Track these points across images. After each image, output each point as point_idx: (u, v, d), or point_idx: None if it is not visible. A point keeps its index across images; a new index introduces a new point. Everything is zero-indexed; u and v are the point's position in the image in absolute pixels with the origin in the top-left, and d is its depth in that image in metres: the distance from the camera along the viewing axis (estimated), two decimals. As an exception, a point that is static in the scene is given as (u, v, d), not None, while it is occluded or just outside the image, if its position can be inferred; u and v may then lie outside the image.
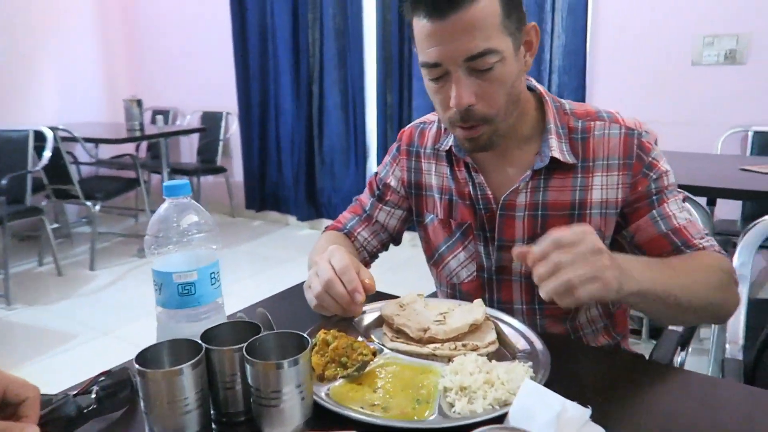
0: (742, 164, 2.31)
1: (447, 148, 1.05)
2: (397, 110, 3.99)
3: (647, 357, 1.19)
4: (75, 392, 0.70)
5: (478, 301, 0.93)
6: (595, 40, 3.29)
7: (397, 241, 1.23)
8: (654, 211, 0.95)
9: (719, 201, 2.63)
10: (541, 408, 0.64)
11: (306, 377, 0.68)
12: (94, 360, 2.68)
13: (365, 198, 1.20)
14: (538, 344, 0.82)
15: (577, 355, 0.86)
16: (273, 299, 1.11)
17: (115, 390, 0.74)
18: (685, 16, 3.04)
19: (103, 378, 0.73)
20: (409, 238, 1.22)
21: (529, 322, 1.05)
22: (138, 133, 3.98)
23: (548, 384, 0.73)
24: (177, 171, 4.72)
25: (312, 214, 4.66)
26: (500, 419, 0.67)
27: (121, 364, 0.80)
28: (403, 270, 3.74)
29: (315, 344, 0.83)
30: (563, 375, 0.78)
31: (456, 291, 1.12)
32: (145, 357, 0.67)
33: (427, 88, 0.94)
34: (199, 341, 0.69)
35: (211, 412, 0.71)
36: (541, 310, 1.04)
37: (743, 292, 1.23)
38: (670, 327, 1.25)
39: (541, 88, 1.01)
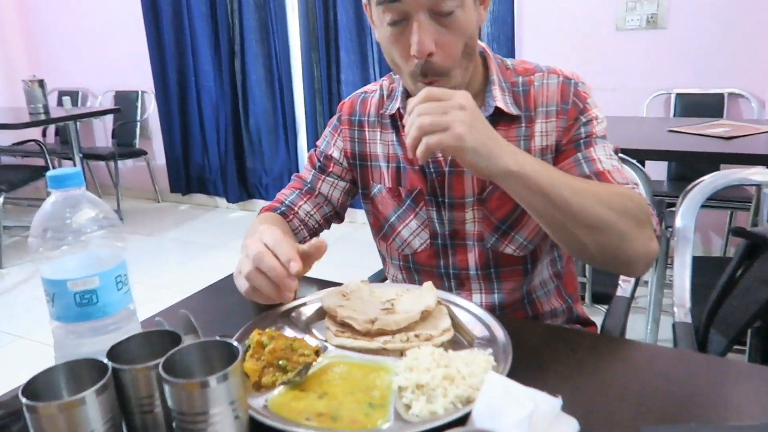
0: (670, 126, 2.34)
1: (393, 112, 1.02)
2: (326, 84, 3.84)
3: (599, 325, 1.17)
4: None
5: (428, 285, 0.85)
6: (521, 7, 3.26)
7: (340, 216, 1.16)
8: (579, 154, 0.94)
9: (647, 163, 2.68)
10: (510, 405, 0.57)
11: (239, 392, 0.58)
12: (10, 366, 2.45)
13: (306, 173, 1.14)
14: (497, 329, 0.75)
15: (537, 337, 0.80)
16: (199, 296, 0.99)
17: (7, 423, 0.61)
18: (608, -19, 3.05)
19: (-12, 411, 0.60)
20: (347, 219, 1.14)
21: (485, 288, 1.03)
22: (42, 117, 3.64)
23: (511, 373, 0.67)
24: (91, 156, 4.40)
25: (243, 195, 4.46)
26: (463, 419, 0.60)
27: (13, 390, 0.66)
28: (339, 248, 3.66)
29: (248, 347, 0.73)
30: (525, 361, 0.72)
31: (409, 262, 1.08)
32: (36, 386, 0.55)
33: (383, 40, 0.90)
34: (105, 360, 0.57)
35: (127, 440, 0.60)
36: (497, 274, 1.02)
37: (687, 254, 1.22)
38: (618, 293, 1.23)
39: (483, 44, 1.00)
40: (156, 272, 3.41)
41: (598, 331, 1.17)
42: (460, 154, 0.73)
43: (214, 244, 3.80)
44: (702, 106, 2.94)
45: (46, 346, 2.63)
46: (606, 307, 1.97)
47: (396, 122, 1.03)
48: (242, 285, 0.83)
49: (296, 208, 1.09)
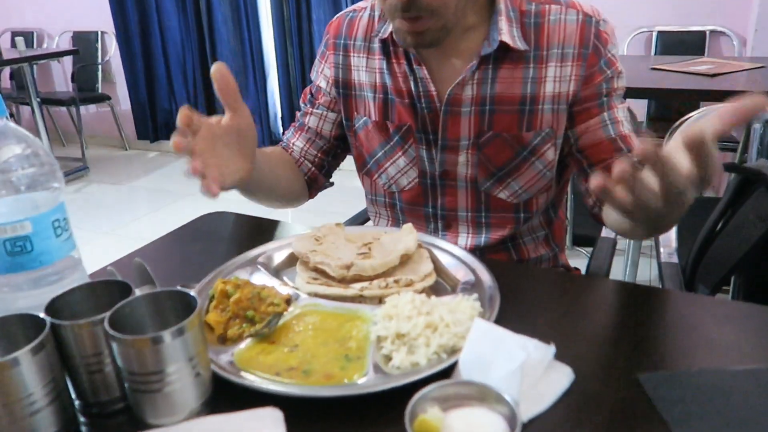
0: (651, 64, 2.28)
1: (385, 36, 0.90)
2: (295, 23, 3.65)
3: (583, 270, 1.13)
4: None
5: (408, 227, 0.79)
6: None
7: (341, 148, 1.07)
8: (605, 114, 0.87)
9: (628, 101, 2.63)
10: (499, 355, 0.52)
11: (199, 347, 0.51)
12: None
13: (301, 108, 1.07)
14: (483, 272, 0.70)
15: (524, 280, 0.75)
16: (157, 244, 0.91)
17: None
18: None
19: None
20: None
21: (473, 231, 0.97)
22: (-6, 59, 3.41)
23: (499, 319, 0.62)
24: (51, 102, 4.17)
25: (212, 141, 4.30)
26: (448, 371, 0.55)
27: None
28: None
29: (212, 297, 0.66)
30: (513, 306, 0.67)
31: (395, 200, 1.01)
32: (-39, 347, 0.48)
33: None
34: (42, 315, 0.50)
35: (76, 403, 0.54)
36: (487, 217, 0.96)
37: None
38: (603, 235, 1.19)
39: None
40: (125, 222, 3.30)
41: (582, 272, 1.13)
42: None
43: (185, 193, 3.68)
44: (683, 43, 2.87)
45: None
46: (586, 250, 1.96)
47: (387, 47, 0.92)
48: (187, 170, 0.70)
49: (291, 145, 1.04)
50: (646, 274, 2.41)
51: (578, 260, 1.18)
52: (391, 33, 0.89)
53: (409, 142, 0.94)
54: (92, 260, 0.74)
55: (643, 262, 2.39)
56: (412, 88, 0.90)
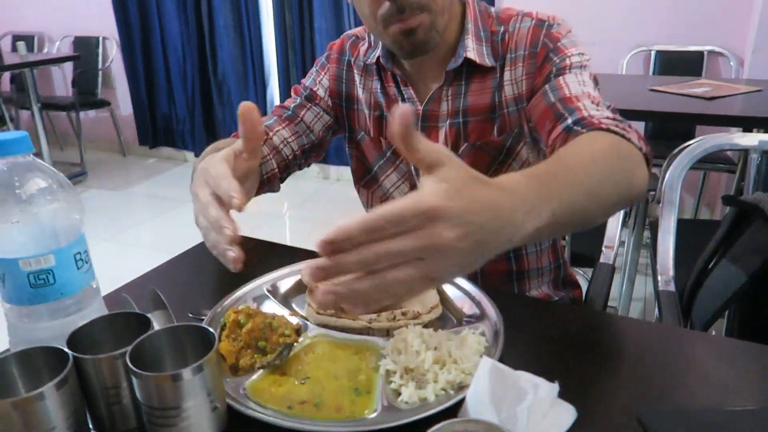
0: (650, 84, 2.31)
1: (373, 60, 0.97)
2: (298, 31, 3.68)
3: (584, 291, 1.15)
4: None
5: (414, 257, 0.81)
6: (503, -46, 3.14)
7: (317, 152, 1.06)
8: (547, 86, 0.86)
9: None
10: (507, 394, 0.54)
11: (217, 382, 0.53)
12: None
13: (288, 101, 1.04)
14: (488, 306, 0.71)
15: (526, 312, 0.77)
16: (166, 267, 0.93)
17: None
18: (592, -70, 2.95)
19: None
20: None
21: None
22: (-5, 63, 3.42)
23: (503, 353, 0.64)
24: (50, 106, 4.17)
25: (212, 148, 4.31)
26: (456, 407, 0.56)
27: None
28: (312, 205, 3.59)
29: (223, 326, 0.68)
30: (516, 339, 0.68)
31: None
32: (-14, 380, 0.49)
33: None
34: (65, 348, 0.52)
35: (93, 432, 0.55)
36: None
37: (672, 220, 1.20)
38: (601, 260, 1.21)
39: None
40: (123, 228, 3.31)
41: (583, 295, 1.15)
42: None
43: (183, 200, 3.69)
44: (681, 63, 2.91)
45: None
46: (583, 270, 1.99)
47: (380, 70, 0.99)
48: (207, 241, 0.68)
49: (271, 133, 0.98)
50: (642, 291, 2.44)
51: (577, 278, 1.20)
52: (378, 57, 0.95)
53: (401, 158, 0.99)
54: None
55: (639, 279, 2.41)
56: None
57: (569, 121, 0.80)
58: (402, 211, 0.42)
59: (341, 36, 1.07)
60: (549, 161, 0.61)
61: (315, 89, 1.04)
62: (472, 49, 0.90)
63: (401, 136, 0.44)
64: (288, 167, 1.01)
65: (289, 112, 1.02)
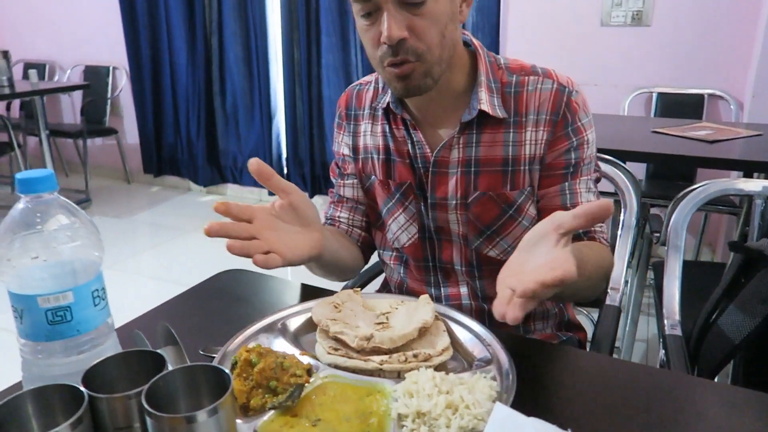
0: (652, 126, 2.34)
1: (384, 105, 1.00)
2: (305, 66, 3.74)
3: (588, 333, 1.15)
4: None
5: (425, 298, 0.81)
6: (507, -3, 3.22)
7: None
8: (565, 183, 0.95)
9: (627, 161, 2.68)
10: (520, 441, 0.54)
11: (230, 424, 0.53)
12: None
13: (334, 184, 1.14)
14: (499, 350, 0.72)
15: (537, 356, 0.77)
16: (178, 301, 0.93)
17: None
18: (596, -25, 3.03)
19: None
20: (323, 202, 1.12)
21: (469, 284, 1.04)
22: (6, 90, 3.47)
23: (515, 398, 0.64)
24: (58, 133, 4.22)
25: (215, 178, 4.35)
26: (468, 453, 0.56)
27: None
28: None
29: (234, 364, 0.68)
30: (527, 383, 0.68)
31: (400, 254, 1.09)
32: (1, 416, 0.49)
33: (359, 29, 0.89)
34: (80, 386, 0.52)
35: (103, 472, 0.55)
36: (479, 273, 1.02)
37: (677, 264, 1.21)
38: (608, 302, 1.21)
39: (476, 42, 0.97)
40: (126, 256, 3.31)
41: (588, 338, 1.15)
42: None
43: (186, 228, 3.71)
44: (682, 105, 2.95)
45: (8, 332, 2.52)
46: (587, 309, 1.98)
47: (388, 114, 1.01)
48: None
49: (336, 219, 1.10)
50: (644, 331, 2.43)
51: (581, 319, 1.21)
52: (389, 102, 0.98)
53: (410, 198, 1.02)
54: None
55: (642, 319, 2.40)
56: (410, 150, 0.99)
57: (580, 230, 0.89)
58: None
59: (346, 89, 1.11)
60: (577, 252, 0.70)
61: (342, 152, 1.10)
62: (486, 101, 0.92)
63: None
64: (370, 229, 1.12)
65: (337, 196, 1.12)
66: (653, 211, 2.58)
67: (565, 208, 0.91)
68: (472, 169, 0.95)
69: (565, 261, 0.59)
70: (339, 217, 1.10)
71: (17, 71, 4.41)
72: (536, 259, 0.65)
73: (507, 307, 0.60)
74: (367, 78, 1.09)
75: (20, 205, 0.56)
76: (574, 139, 0.93)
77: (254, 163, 0.77)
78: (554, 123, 0.92)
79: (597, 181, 1.00)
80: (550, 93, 0.92)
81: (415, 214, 1.02)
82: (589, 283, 0.88)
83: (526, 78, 0.94)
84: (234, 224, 0.76)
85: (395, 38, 0.82)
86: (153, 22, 4.15)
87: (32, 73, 3.83)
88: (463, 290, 1.04)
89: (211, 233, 0.72)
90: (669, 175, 2.83)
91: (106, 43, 4.35)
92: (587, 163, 0.96)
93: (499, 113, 0.92)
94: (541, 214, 0.96)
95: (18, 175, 0.55)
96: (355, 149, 1.07)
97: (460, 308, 1.03)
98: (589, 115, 0.95)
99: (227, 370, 0.54)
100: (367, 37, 0.87)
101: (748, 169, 2.01)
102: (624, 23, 3.04)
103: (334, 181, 1.13)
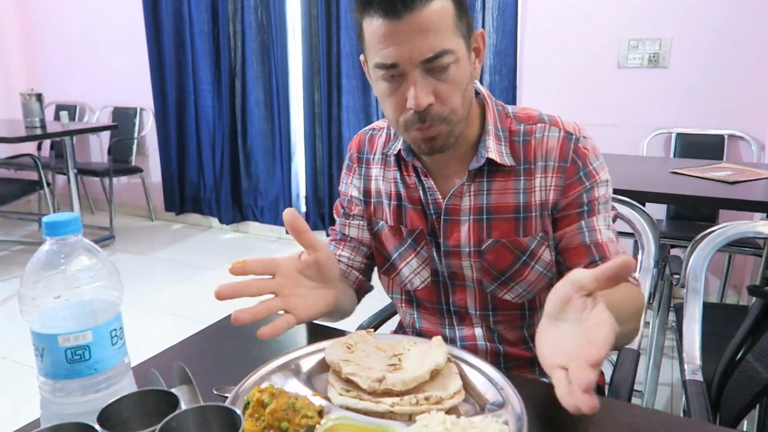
0: (672, 167, 2.34)
1: (395, 152, 1.02)
2: (326, 109, 3.83)
3: (607, 379, 1.13)
4: None
5: (437, 339, 0.81)
6: (524, 41, 3.27)
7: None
8: (582, 222, 0.95)
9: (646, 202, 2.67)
10: (531, 489, 0.53)
11: (239, 465, 0.53)
12: (-13, 390, 2.37)
13: (337, 223, 1.14)
14: (511, 395, 0.71)
15: (550, 399, 0.76)
16: (193, 340, 0.94)
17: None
18: (611, 20, 3.08)
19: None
20: None
21: (484, 326, 1.03)
22: (39, 131, 3.60)
23: (527, 445, 0.63)
24: (86, 172, 4.34)
25: (236, 216, 4.41)
26: (479, 500, 0.55)
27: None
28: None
29: (247, 404, 0.68)
30: (540, 429, 0.68)
31: (411, 297, 1.09)
32: (19, 455, 0.51)
33: (379, 91, 0.90)
34: (95, 424, 0.53)
35: None
36: (494, 316, 1.02)
37: (697, 307, 1.19)
38: (626, 346, 1.20)
39: (484, 91, 0.99)
40: (146, 293, 3.34)
41: (606, 381, 1.13)
42: None
43: (207, 266, 3.74)
44: (702, 146, 2.95)
45: (25, 366, 2.56)
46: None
47: (399, 160, 1.03)
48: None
49: (337, 256, 1.09)
50: (668, 375, 2.37)
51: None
52: (400, 150, 0.99)
53: (422, 244, 1.02)
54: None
55: (665, 362, 2.35)
56: (421, 197, 1.00)
57: None
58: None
59: (358, 133, 1.13)
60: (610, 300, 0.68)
61: (349, 194, 1.10)
62: (493, 150, 0.93)
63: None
64: (366, 271, 1.12)
65: (340, 235, 1.11)
66: (674, 252, 2.55)
67: (586, 246, 0.93)
68: (485, 216, 0.97)
69: (603, 328, 0.58)
70: (340, 255, 1.09)
71: (49, 113, 4.58)
72: (571, 330, 0.63)
73: (575, 398, 0.56)
74: (380, 123, 1.10)
75: (45, 247, 0.58)
76: (587, 183, 0.94)
77: (289, 215, 0.79)
78: (564, 169, 0.94)
79: (614, 219, 1.00)
80: (557, 140, 0.94)
81: (428, 259, 1.03)
82: (625, 329, 0.84)
83: (534, 126, 0.96)
84: (250, 284, 0.76)
85: (423, 105, 0.83)
86: (179, 66, 4.30)
87: (63, 114, 3.97)
88: (478, 332, 1.04)
89: (221, 296, 0.73)
90: (690, 216, 2.80)
91: (134, 86, 4.51)
92: (603, 202, 0.96)
93: (507, 161, 0.94)
94: (563, 255, 0.96)
95: (45, 219, 0.57)
96: (366, 192, 1.08)
97: (475, 350, 1.03)
98: (600, 157, 0.96)
99: (239, 411, 0.55)
100: (389, 101, 0.88)
101: (771, 210, 1.99)
102: (641, 65, 3.07)
103: (338, 220, 1.13)
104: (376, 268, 1.14)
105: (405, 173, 1.02)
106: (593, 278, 0.61)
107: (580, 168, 0.94)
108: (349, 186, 1.11)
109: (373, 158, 1.08)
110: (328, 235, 1.15)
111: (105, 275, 0.60)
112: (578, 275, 0.63)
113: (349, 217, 1.11)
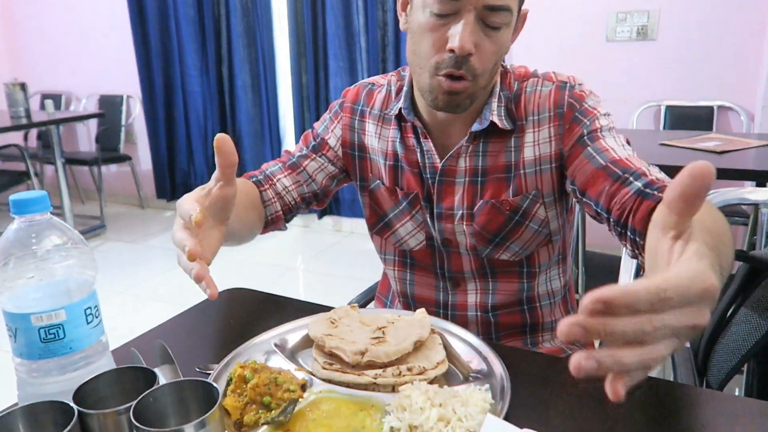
0: (661, 139, 2.33)
1: (396, 112, 0.98)
2: (313, 91, 3.79)
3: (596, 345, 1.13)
4: None
5: (421, 312, 0.81)
6: (512, 15, 3.24)
7: (321, 200, 1.10)
8: (588, 148, 0.86)
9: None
10: (511, 453, 0.53)
11: (218, 439, 0.53)
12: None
13: (296, 148, 1.08)
14: (495, 362, 0.71)
15: (536, 368, 0.76)
16: (176, 321, 0.93)
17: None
18: (599, -8, 3.05)
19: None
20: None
21: (481, 287, 1.02)
22: (24, 121, 3.55)
23: (510, 411, 0.63)
24: (74, 161, 4.30)
25: (228, 202, 4.39)
26: (461, 467, 0.55)
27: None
28: (326, 258, 3.61)
29: (230, 381, 0.68)
30: (524, 396, 0.68)
31: (406, 257, 1.07)
32: (-8, 435, 0.50)
33: (419, 24, 0.84)
34: (70, 402, 0.52)
35: (95, 489, 0.55)
36: (492, 275, 1.01)
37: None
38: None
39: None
40: (139, 281, 3.34)
41: (596, 346, 1.13)
42: None
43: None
44: (691, 118, 2.94)
45: (3, 352, 2.52)
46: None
47: (399, 121, 1.00)
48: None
49: (274, 180, 1.03)
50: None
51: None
52: (400, 109, 0.97)
53: (417, 208, 1.01)
54: (105, 320, 0.76)
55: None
56: (419, 159, 0.98)
57: (639, 184, 0.78)
58: (688, 285, 0.39)
59: (357, 83, 1.08)
60: (705, 234, 0.50)
61: (326, 138, 1.06)
62: (497, 113, 0.92)
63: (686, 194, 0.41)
64: (291, 211, 1.05)
65: (293, 160, 1.05)
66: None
67: (603, 168, 0.83)
68: (479, 179, 0.95)
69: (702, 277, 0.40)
70: (279, 180, 1.02)
71: (34, 102, 4.52)
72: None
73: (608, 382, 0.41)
74: (380, 80, 1.06)
75: (14, 226, 0.57)
76: (586, 120, 0.88)
77: (221, 138, 0.70)
78: (561, 115, 0.90)
79: (628, 142, 0.88)
80: (550, 92, 0.91)
81: (422, 223, 1.01)
82: (725, 258, 0.57)
83: (525, 82, 0.94)
84: (203, 261, 0.71)
85: (467, 50, 0.81)
86: (165, 52, 4.24)
87: (48, 103, 3.92)
88: (471, 299, 1.03)
89: (213, 295, 0.71)
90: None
91: (120, 73, 4.45)
92: (608, 129, 0.88)
93: (506, 125, 0.92)
94: (586, 193, 0.86)
95: (12, 197, 0.56)
96: (359, 147, 1.04)
97: (465, 321, 1.03)
98: (599, 99, 0.91)
99: (215, 385, 0.55)
100: (428, 37, 0.84)
101: (760, 179, 1.99)
102: (629, 38, 3.05)
103: (301, 147, 1.07)
104: (367, 229, 1.11)
105: (404, 134, 0.99)
106: (666, 209, 0.45)
107: (576, 109, 0.89)
108: (329, 131, 1.06)
109: (370, 112, 1.04)
110: (306, 204, 1.08)
111: (77, 253, 0.59)
112: (654, 215, 0.49)
113: (317, 153, 1.05)
